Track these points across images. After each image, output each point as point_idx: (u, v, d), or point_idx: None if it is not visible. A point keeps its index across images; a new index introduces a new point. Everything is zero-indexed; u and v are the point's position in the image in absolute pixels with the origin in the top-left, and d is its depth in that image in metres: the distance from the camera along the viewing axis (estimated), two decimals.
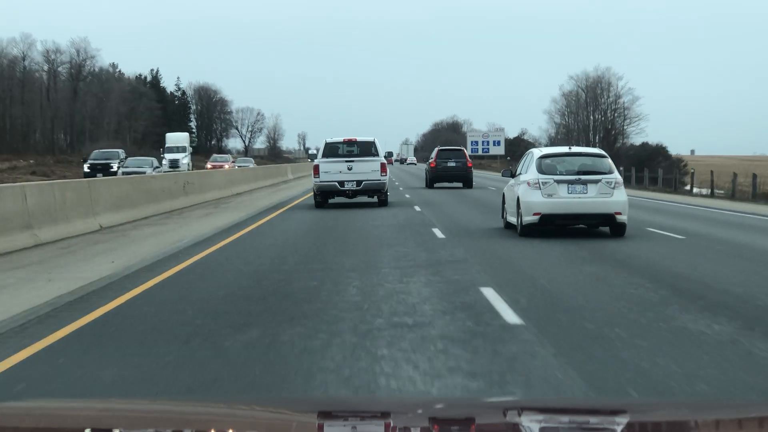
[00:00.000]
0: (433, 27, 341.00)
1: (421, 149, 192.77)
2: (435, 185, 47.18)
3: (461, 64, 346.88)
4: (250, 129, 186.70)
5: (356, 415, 3.73)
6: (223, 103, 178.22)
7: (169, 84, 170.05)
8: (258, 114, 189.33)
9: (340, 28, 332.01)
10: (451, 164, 46.80)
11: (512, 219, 20.73)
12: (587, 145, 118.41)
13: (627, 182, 41.75)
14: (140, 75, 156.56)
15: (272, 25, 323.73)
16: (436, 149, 49.49)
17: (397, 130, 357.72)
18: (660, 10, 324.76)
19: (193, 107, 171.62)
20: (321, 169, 30.06)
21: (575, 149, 20.60)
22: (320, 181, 30.07)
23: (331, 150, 30.70)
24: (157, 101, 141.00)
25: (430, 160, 48.22)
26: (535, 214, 19.19)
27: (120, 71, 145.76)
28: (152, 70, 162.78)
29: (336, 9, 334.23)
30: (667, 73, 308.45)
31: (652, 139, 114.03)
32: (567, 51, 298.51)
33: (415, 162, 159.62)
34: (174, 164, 70.61)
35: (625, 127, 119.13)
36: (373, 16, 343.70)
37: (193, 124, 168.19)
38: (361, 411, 3.99)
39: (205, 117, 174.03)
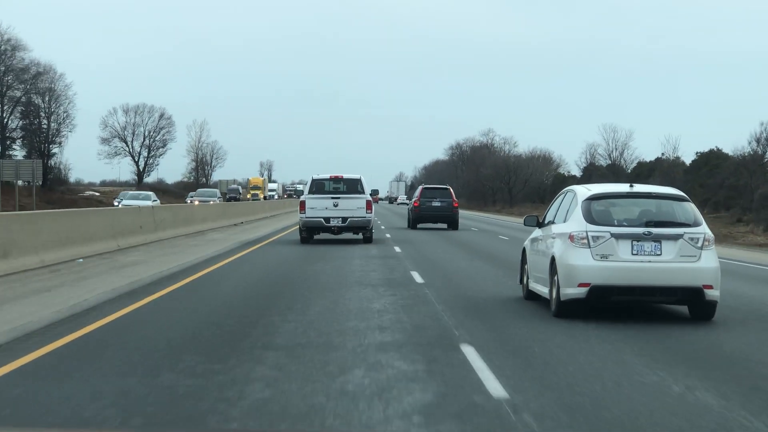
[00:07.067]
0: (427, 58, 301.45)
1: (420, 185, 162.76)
2: (418, 226, 45.72)
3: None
4: (147, 143, 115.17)
5: None
6: (38, 68, 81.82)
7: None
8: (162, 116, 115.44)
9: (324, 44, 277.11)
10: (436, 204, 45.64)
11: (540, 288, 14.20)
12: None
13: None
14: None
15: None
16: (420, 187, 48.17)
17: (391, 164, 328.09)
18: None
19: None
20: (307, 205, 30.62)
21: (639, 188, 13.83)
22: (306, 217, 30.67)
23: (318, 186, 31.27)
24: None
25: (414, 199, 47.10)
26: (581, 285, 12.63)
27: None
28: None
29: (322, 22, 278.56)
30: None
31: None
32: None
33: (407, 201, 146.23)
34: None
35: None
36: (353, 44, 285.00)
37: None
38: None
39: None
